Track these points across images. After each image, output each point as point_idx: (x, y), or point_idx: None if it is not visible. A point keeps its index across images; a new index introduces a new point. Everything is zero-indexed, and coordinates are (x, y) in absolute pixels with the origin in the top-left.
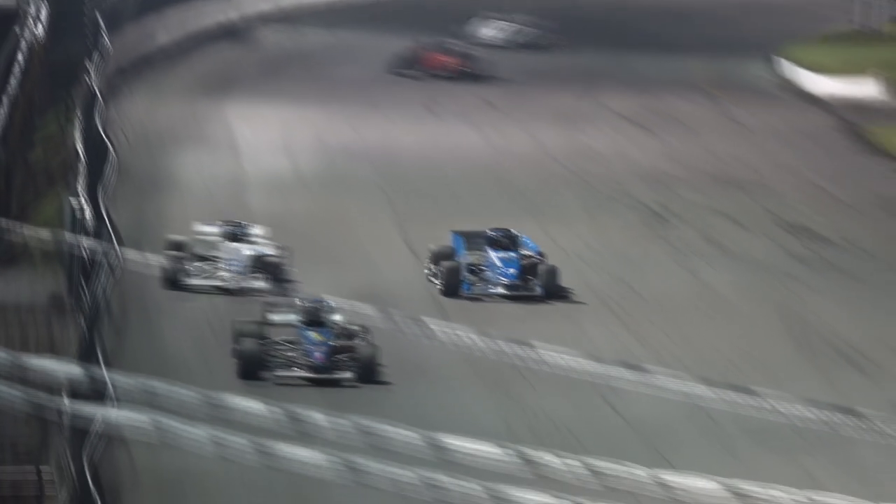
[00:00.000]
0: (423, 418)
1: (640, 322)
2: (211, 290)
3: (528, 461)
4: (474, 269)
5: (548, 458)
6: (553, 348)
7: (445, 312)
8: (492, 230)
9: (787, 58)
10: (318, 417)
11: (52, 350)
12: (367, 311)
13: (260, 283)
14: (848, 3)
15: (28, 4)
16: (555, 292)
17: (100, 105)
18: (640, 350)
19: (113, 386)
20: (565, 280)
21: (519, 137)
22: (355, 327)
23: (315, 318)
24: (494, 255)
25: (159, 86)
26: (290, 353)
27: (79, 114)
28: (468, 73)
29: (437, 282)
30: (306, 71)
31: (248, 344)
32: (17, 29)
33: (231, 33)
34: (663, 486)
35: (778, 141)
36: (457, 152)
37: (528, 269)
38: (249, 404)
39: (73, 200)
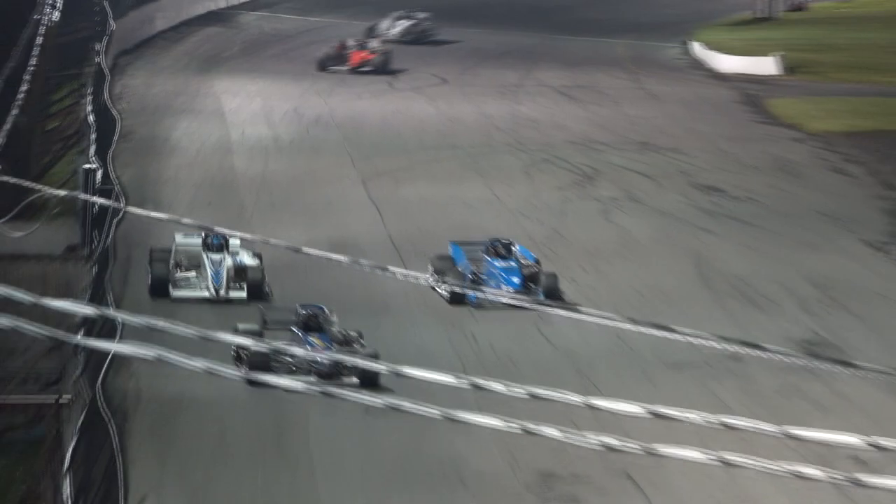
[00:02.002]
0: (386, 347)
1: (571, 265)
2: (197, 300)
3: (478, 387)
4: (476, 279)
5: (494, 385)
6: (496, 291)
7: (403, 261)
8: (489, 240)
9: (698, 40)
10: (298, 351)
11: (68, 293)
12: (340, 258)
13: (242, 294)
14: None
15: None
16: (556, 298)
17: (107, 81)
18: (570, 289)
19: (120, 323)
20: (506, 229)
21: (467, 108)
22: (353, 333)
23: (314, 324)
24: (494, 264)
25: (157, 64)
26: (295, 360)
27: (89, 88)
28: (384, 67)
29: (442, 291)
30: (284, 51)
31: (258, 354)
32: (35, 15)
33: (218, 19)
34: (593, 409)
35: (689, 111)
36: (413, 122)
37: (529, 278)
38: (239, 339)
39: (84, 162)
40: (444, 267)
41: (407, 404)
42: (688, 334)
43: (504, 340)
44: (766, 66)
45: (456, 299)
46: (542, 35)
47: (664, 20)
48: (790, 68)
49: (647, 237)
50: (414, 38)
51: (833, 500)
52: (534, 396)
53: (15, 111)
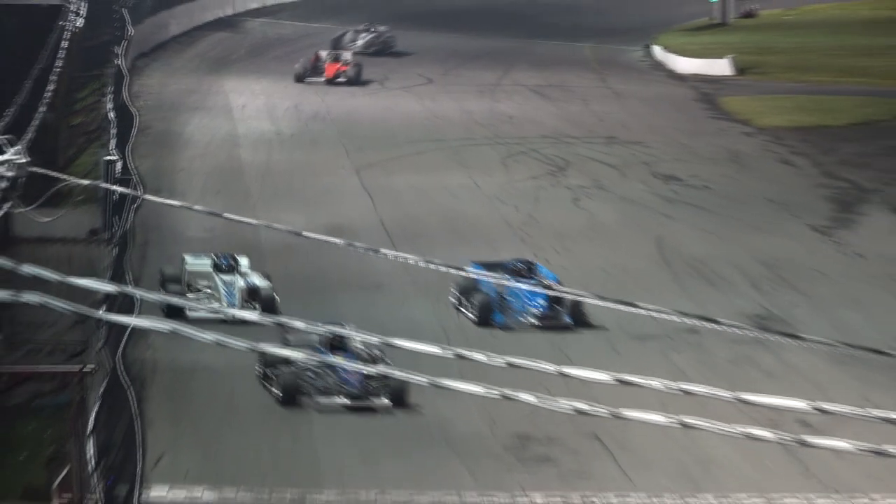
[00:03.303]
0: (379, 321)
1: (544, 247)
2: (212, 321)
3: (461, 357)
4: (502, 300)
5: (476, 355)
6: (479, 272)
7: (393, 243)
8: (510, 260)
9: (658, 43)
10: (299, 324)
11: (91, 272)
12: (336, 241)
13: (254, 315)
14: (704, 3)
15: (70, 2)
16: (582, 322)
17: (126, 80)
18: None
19: (138, 299)
20: (485, 215)
21: (450, 105)
22: (377, 351)
23: (338, 344)
24: (519, 286)
25: (172, 65)
26: (324, 380)
27: (110, 87)
28: (357, 78)
29: (469, 313)
30: (286, 54)
31: (286, 373)
32: (61, 22)
33: (227, 25)
34: (565, 376)
35: (650, 108)
36: (402, 117)
37: (555, 299)
38: (245, 314)
39: (105, 154)
40: (467, 287)
41: (397, 373)
42: (650, 309)
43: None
44: (719, 67)
45: (484, 321)
46: (516, 39)
47: (628, 25)
48: (741, 69)
49: (613, 221)
50: (377, 50)
51: (781, 459)
52: (511, 365)
53: (43, 108)
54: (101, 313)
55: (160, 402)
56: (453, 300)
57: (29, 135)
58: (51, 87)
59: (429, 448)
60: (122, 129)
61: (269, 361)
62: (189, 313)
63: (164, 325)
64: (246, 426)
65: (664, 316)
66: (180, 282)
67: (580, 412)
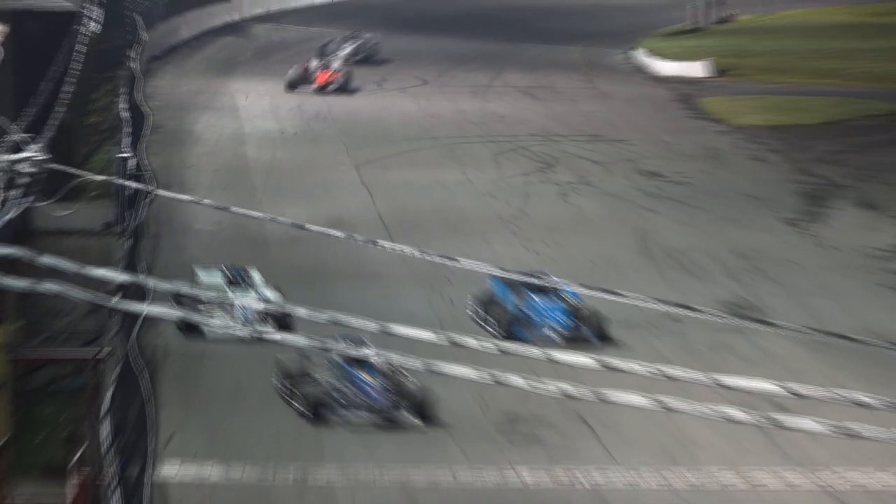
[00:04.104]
0: (376, 309)
1: (534, 239)
2: (228, 338)
3: (454, 343)
4: (523, 315)
5: (468, 340)
6: (472, 262)
7: (391, 236)
8: (529, 274)
9: (641, 47)
10: (301, 311)
11: (106, 262)
12: (337, 233)
13: (270, 331)
14: (684, 9)
15: (86, 8)
16: (605, 337)
17: (138, 82)
18: (531, 258)
19: (150, 288)
20: (478, 209)
21: (444, 105)
22: (394, 365)
23: (357, 358)
24: (537, 300)
25: (182, 68)
26: (348, 395)
27: (123, 89)
28: (347, 86)
29: (490, 328)
30: (288, 57)
31: (311, 389)
32: (77, 26)
33: (234, 30)
34: (552, 361)
35: (634, 108)
36: (399, 116)
37: (577, 316)
38: (249, 302)
39: (119, 152)
40: (488, 303)
41: (395, 357)
42: (633, 298)
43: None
44: (698, 69)
45: (507, 336)
46: (508, 43)
47: (613, 30)
48: (719, 71)
49: (598, 215)
50: (363, 58)
51: (756, 438)
52: (502, 351)
53: (60, 109)
54: (114, 301)
55: (171, 386)
56: (471, 313)
57: (48, 133)
58: (68, 88)
59: (424, 427)
60: (136, 127)
61: (290, 375)
62: (206, 330)
63: (174, 312)
64: (251, 409)
65: (646, 304)
66: (195, 298)
67: (566, 394)
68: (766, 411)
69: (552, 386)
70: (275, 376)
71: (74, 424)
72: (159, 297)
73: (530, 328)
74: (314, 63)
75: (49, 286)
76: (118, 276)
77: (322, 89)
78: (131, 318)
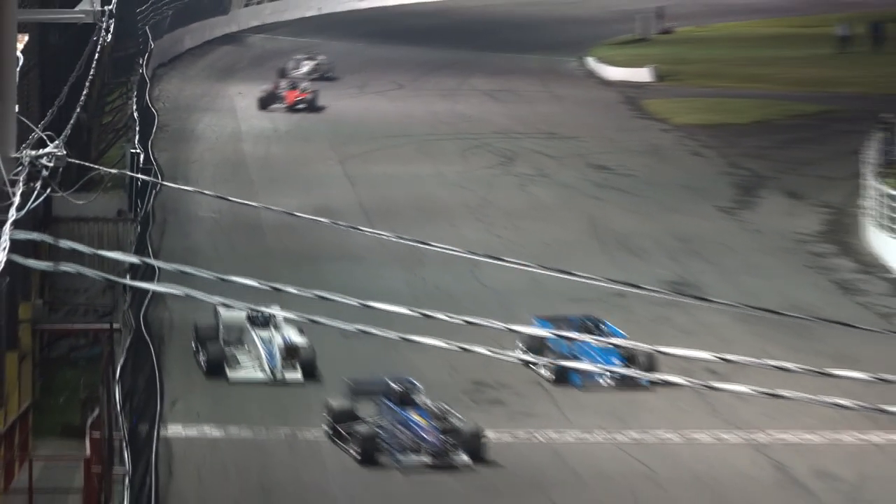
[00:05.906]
0: (359, 286)
1: (497, 224)
2: (254, 382)
3: (427, 316)
4: (575, 358)
5: (439, 315)
6: (440, 245)
7: (370, 222)
8: (578, 317)
9: (592, 55)
10: (291, 290)
11: (119, 246)
12: (323, 220)
13: (297, 375)
14: (631, 21)
15: (102, 21)
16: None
17: (148, 86)
18: (495, 241)
19: (157, 269)
20: (448, 197)
21: (418, 106)
22: (445, 405)
23: (406, 399)
24: (589, 343)
25: (186, 74)
26: (400, 436)
27: (134, 92)
28: (314, 104)
29: (543, 373)
30: (281, 64)
31: (363, 428)
32: (94, 37)
33: (232, 40)
34: (513, 332)
35: (585, 109)
36: (378, 116)
37: (629, 358)
38: (247, 281)
39: (131, 148)
40: (536, 345)
41: (374, 329)
42: (584, 276)
43: (446, 281)
44: (642, 74)
45: (561, 379)
46: (474, 52)
47: (567, 40)
48: (660, 76)
49: (553, 203)
50: (319, 76)
51: (693, 401)
52: (469, 323)
53: (78, 110)
54: (126, 280)
55: (176, 356)
56: (519, 355)
57: (67, 131)
58: (85, 91)
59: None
60: (145, 127)
61: (340, 418)
62: (230, 374)
63: (178, 290)
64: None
65: (595, 282)
66: (217, 337)
67: (525, 362)
68: (702, 377)
69: (513, 355)
70: (323, 419)
71: (91, 389)
72: (166, 275)
73: (582, 372)
74: (283, 83)
75: (68, 266)
76: (129, 258)
77: (292, 108)
78: (141, 294)
